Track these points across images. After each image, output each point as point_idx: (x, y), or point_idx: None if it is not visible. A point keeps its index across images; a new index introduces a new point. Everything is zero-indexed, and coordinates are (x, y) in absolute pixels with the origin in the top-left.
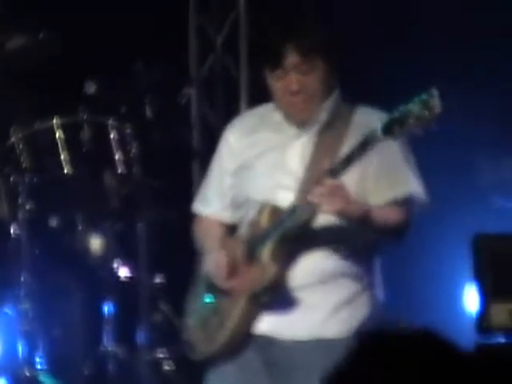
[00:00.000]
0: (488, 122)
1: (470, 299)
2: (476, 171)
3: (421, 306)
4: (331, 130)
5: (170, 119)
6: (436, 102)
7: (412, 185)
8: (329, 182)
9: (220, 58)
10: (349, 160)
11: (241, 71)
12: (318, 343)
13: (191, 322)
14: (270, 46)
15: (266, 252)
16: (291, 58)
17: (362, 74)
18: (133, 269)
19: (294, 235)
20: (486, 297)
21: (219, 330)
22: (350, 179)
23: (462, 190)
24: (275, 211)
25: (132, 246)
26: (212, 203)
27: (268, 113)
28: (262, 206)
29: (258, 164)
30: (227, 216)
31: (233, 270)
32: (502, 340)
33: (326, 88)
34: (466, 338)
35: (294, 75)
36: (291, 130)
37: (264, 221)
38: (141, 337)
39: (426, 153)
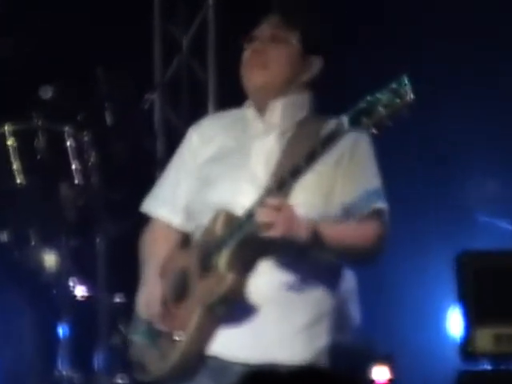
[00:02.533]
0: (476, 139)
1: (454, 323)
2: (460, 188)
3: (401, 330)
4: (301, 130)
5: (131, 126)
6: (407, 89)
7: (381, 197)
8: (270, 201)
9: (186, 60)
10: (312, 156)
11: (209, 74)
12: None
13: (140, 339)
14: (252, 17)
15: (221, 260)
16: (269, 30)
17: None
18: (90, 287)
19: (252, 242)
20: (471, 320)
21: (171, 347)
22: (312, 179)
23: (446, 207)
24: (231, 217)
25: (89, 262)
26: (163, 204)
27: (239, 113)
28: (217, 213)
29: (219, 167)
30: (178, 221)
31: (170, 306)
32: (487, 367)
33: (293, 75)
34: (450, 364)
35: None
36: (258, 127)
37: (219, 228)
38: (99, 361)
39: (409, 168)
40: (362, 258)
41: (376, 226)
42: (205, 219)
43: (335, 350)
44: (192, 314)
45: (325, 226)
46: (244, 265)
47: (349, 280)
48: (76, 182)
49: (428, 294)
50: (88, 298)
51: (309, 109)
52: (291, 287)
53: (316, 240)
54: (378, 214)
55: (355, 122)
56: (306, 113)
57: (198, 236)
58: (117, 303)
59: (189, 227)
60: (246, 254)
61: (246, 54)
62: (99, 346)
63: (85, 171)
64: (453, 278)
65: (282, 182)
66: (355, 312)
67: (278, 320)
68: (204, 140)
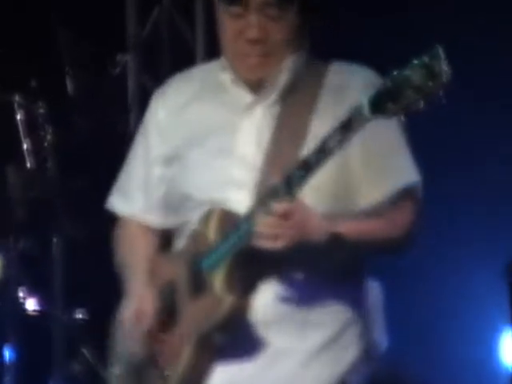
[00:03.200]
0: None
1: (507, 349)
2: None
3: (440, 357)
4: (296, 98)
5: (98, 96)
6: (442, 67)
7: (413, 172)
8: (277, 208)
9: (167, 13)
10: (323, 150)
11: (196, 31)
12: None
13: (118, 372)
14: None
15: (217, 278)
16: None
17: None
18: (44, 300)
19: (254, 253)
20: None
21: None
22: (325, 177)
23: (496, 213)
24: (227, 219)
25: (43, 269)
26: (133, 200)
27: (211, 74)
28: (209, 212)
29: (199, 150)
30: (155, 219)
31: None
32: None
33: (293, 45)
34: None
35: (256, 17)
36: (241, 99)
37: (212, 233)
38: None
39: (455, 174)
40: (391, 251)
41: (408, 210)
42: (189, 215)
43: (354, 376)
44: (183, 343)
45: (345, 223)
46: (245, 282)
47: (373, 293)
48: (27, 165)
49: (474, 312)
50: (41, 313)
51: (302, 57)
52: (302, 306)
53: (335, 241)
54: (409, 193)
55: (378, 108)
56: (300, 62)
57: (184, 240)
58: (77, 320)
59: (169, 222)
60: (246, 268)
61: (233, 28)
62: (54, 374)
63: (39, 152)
64: (504, 293)
65: (291, 180)
66: (381, 334)
67: (290, 343)
68: (172, 113)
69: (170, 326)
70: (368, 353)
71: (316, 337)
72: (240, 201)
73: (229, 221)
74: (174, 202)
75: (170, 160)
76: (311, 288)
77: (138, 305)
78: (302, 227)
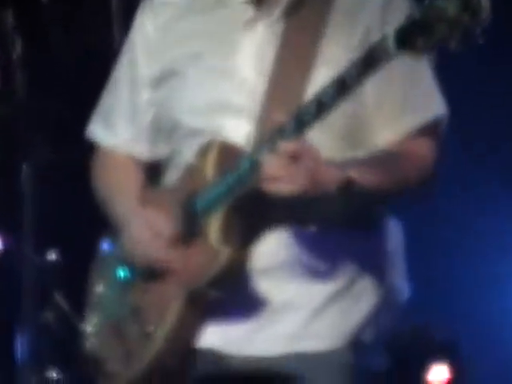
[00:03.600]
0: None
1: None
2: None
3: (466, 308)
4: (302, 15)
5: (77, 5)
6: (481, 0)
7: (436, 105)
8: (286, 147)
9: None
10: (340, 89)
11: None
12: (293, 359)
13: (94, 329)
14: None
15: (212, 226)
16: None
17: None
18: (10, 239)
19: (256, 197)
20: None
21: (141, 344)
22: (336, 112)
23: None
24: (228, 154)
25: (9, 202)
26: (118, 129)
27: None
28: (207, 144)
29: (192, 69)
30: (142, 151)
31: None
32: None
33: None
34: None
35: None
36: (241, 14)
37: (209, 169)
38: (22, 347)
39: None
40: (412, 194)
41: (429, 147)
42: (179, 144)
43: (374, 337)
44: (171, 296)
45: (359, 168)
46: (244, 231)
47: (392, 234)
48: None
49: (502, 257)
50: (6, 253)
51: None
52: (309, 253)
53: (347, 190)
54: (431, 128)
55: (405, 43)
56: None
57: (176, 174)
58: (48, 262)
59: (157, 154)
60: (246, 214)
61: None
62: (23, 325)
63: (6, 66)
64: None
65: (301, 118)
66: (401, 280)
67: (296, 292)
68: (162, 27)
69: (157, 275)
70: (386, 302)
71: (323, 289)
72: (237, 130)
73: (230, 156)
74: (164, 130)
75: (160, 81)
76: (319, 234)
77: (137, 232)
78: (313, 174)
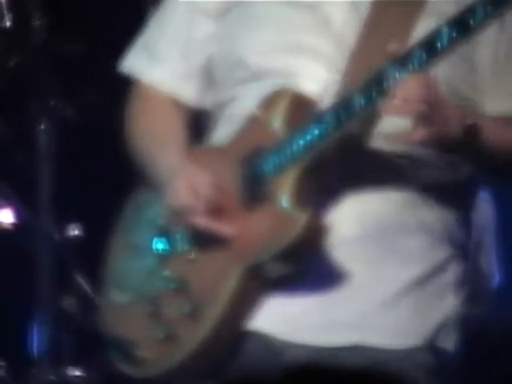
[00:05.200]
0: None
1: None
2: None
3: None
4: None
5: None
6: None
7: None
8: (412, 81)
9: None
10: (460, 30)
11: None
12: (360, 353)
13: (119, 307)
14: None
15: (285, 185)
16: None
17: None
18: (24, 211)
19: (336, 157)
20: None
21: (184, 326)
22: (448, 69)
23: None
24: (301, 105)
25: (24, 168)
26: (166, 61)
27: None
28: (276, 94)
29: (265, 3)
30: (190, 92)
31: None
32: None
33: None
34: None
35: None
36: None
37: (278, 123)
38: (39, 339)
39: None
40: None
41: None
42: (236, 90)
43: (461, 329)
44: (223, 272)
45: (482, 118)
46: (322, 196)
47: (482, 210)
48: (6, 24)
49: None
50: (19, 227)
51: None
52: (388, 230)
53: (475, 140)
54: None
55: None
56: None
57: (231, 128)
58: (70, 238)
59: (207, 99)
60: (325, 177)
61: None
62: (39, 313)
63: (20, 7)
64: None
65: (407, 61)
66: (490, 263)
67: (364, 279)
68: None
69: (207, 244)
70: (473, 297)
71: (401, 273)
72: (314, 76)
73: (303, 109)
74: (220, 72)
75: (223, 13)
76: (402, 205)
77: (188, 181)
78: (442, 109)
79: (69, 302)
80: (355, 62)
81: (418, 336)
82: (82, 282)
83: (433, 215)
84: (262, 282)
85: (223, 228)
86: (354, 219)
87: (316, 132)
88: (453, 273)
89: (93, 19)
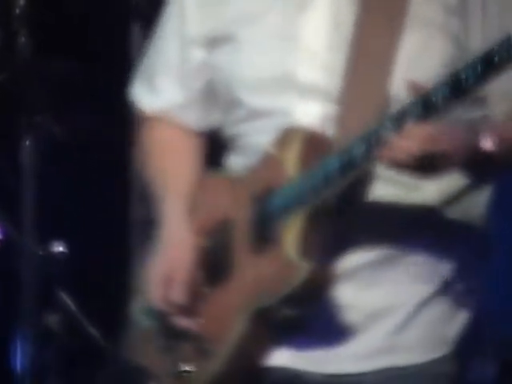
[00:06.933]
0: None
1: None
2: None
3: None
4: None
5: None
6: None
7: None
8: (416, 132)
9: None
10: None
11: None
12: (383, 376)
13: (145, 325)
14: None
15: (291, 229)
16: None
17: None
18: (8, 228)
19: (347, 202)
20: None
21: (197, 362)
22: None
23: None
24: (314, 145)
25: (8, 184)
26: (166, 91)
27: None
28: (288, 132)
29: (251, 30)
30: (193, 117)
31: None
32: None
33: None
34: None
35: None
36: None
37: (291, 164)
38: (21, 356)
39: None
40: None
41: None
42: (245, 124)
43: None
44: (235, 311)
45: (490, 126)
46: (329, 241)
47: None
48: None
49: None
50: (3, 244)
51: None
52: (404, 248)
53: (479, 160)
54: None
55: None
56: None
57: (243, 160)
58: (54, 255)
59: (212, 120)
60: (333, 222)
61: None
62: (22, 330)
63: (8, 22)
64: None
65: (429, 99)
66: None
67: (385, 294)
68: None
69: (218, 282)
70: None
71: (416, 291)
72: (310, 113)
73: (317, 149)
74: (221, 101)
75: (214, 42)
76: (413, 227)
77: (172, 253)
78: (451, 148)
79: (52, 319)
80: (348, 89)
81: (442, 346)
82: (65, 298)
83: (446, 232)
84: (272, 322)
85: (193, 325)
86: (371, 244)
87: (320, 176)
88: (466, 286)
89: (80, 36)
